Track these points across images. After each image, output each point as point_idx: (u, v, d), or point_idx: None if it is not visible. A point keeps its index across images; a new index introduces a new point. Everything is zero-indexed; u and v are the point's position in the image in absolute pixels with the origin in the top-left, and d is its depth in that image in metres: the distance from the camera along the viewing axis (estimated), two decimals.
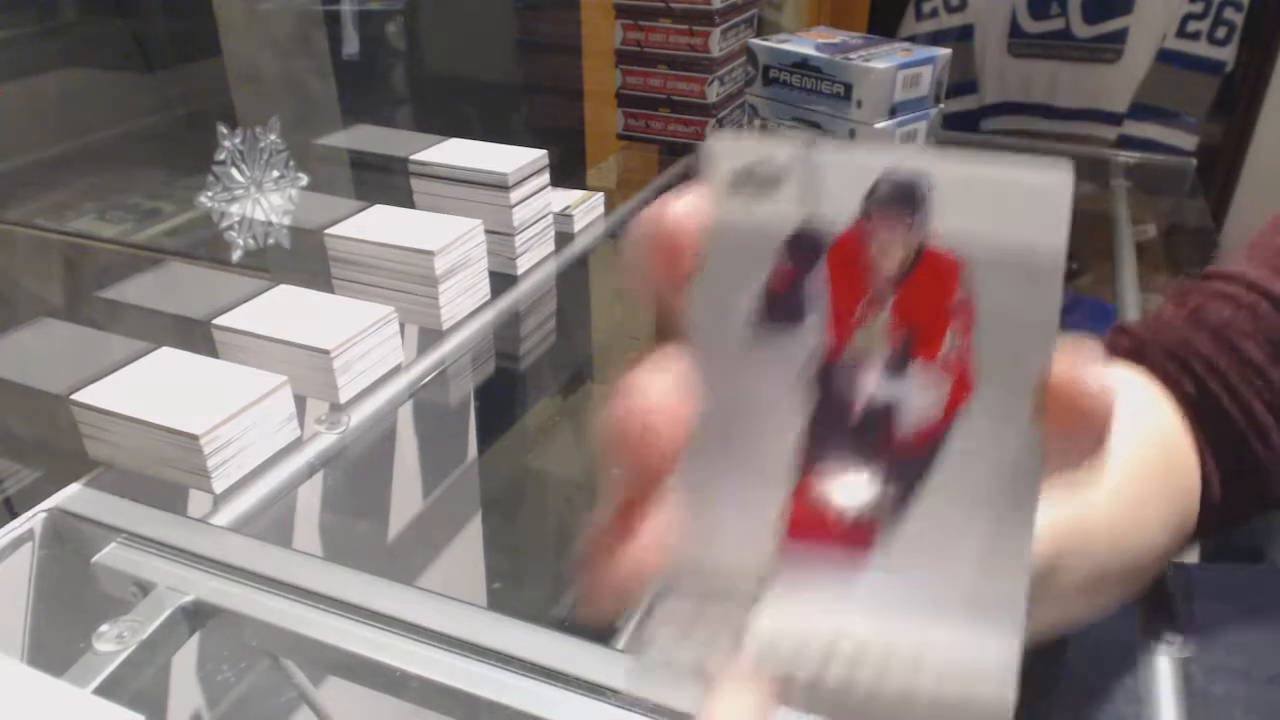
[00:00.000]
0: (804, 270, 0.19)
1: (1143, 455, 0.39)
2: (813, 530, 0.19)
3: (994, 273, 0.19)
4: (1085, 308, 0.98)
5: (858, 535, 0.19)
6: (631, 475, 0.18)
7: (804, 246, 0.19)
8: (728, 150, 0.19)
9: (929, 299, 0.19)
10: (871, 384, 0.19)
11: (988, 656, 0.19)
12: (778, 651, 0.19)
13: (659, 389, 0.18)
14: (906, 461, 0.19)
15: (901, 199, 0.19)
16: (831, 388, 0.19)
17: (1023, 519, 0.19)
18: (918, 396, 0.19)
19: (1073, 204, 0.18)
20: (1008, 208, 0.18)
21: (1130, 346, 0.43)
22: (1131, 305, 0.80)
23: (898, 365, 0.19)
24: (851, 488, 0.19)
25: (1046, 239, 0.18)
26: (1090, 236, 1.06)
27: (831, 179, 0.19)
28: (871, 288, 0.19)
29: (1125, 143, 1.17)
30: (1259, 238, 0.45)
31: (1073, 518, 0.33)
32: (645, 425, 0.18)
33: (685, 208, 0.19)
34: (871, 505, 0.19)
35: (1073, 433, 0.18)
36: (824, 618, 0.19)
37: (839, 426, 0.19)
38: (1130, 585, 0.40)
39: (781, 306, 0.19)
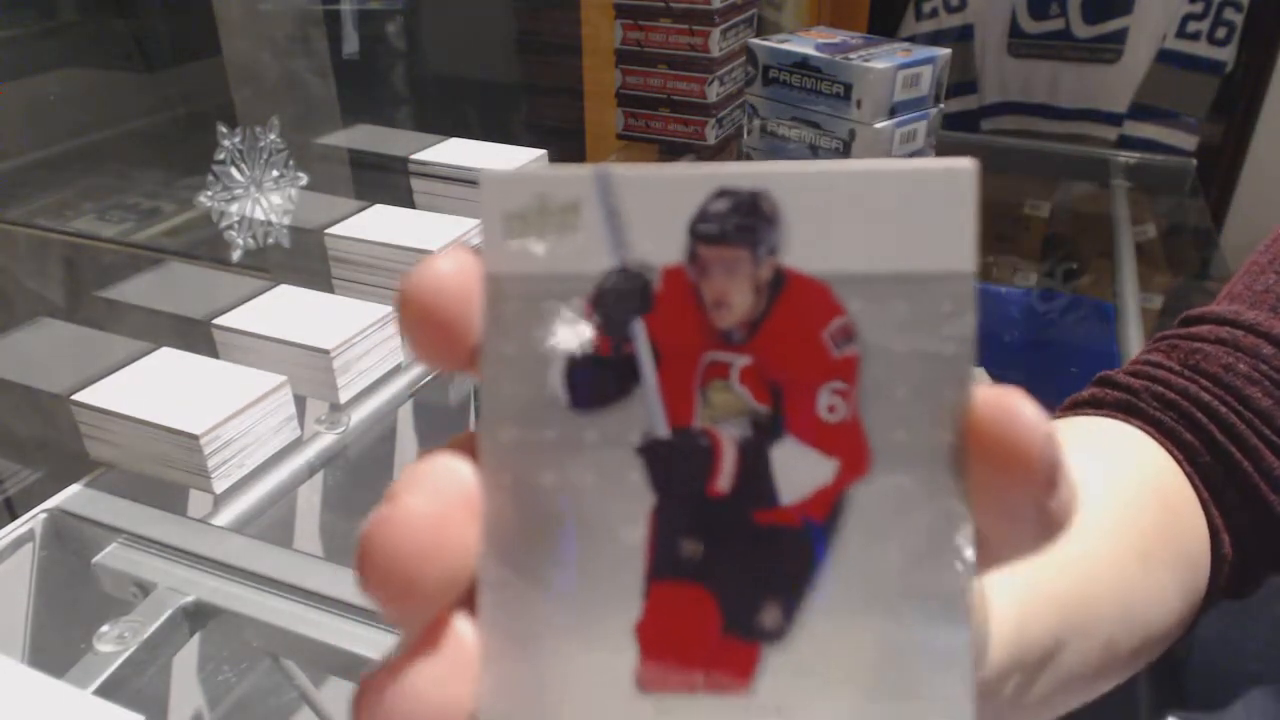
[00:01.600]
0: (619, 328, 0.15)
1: (1145, 517, 0.35)
2: (674, 665, 0.15)
3: (882, 298, 0.14)
4: (1085, 308, 0.98)
5: (732, 665, 0.15)
6: (401, 618, 0.14)
7: (615, 298, 0.15)
8: (501, 188, 0.15)
9: (796, 343, 0.14)
10: (729, 466, 0.15)
11: None
12: None
13: (421, 508, 0.14)
14: (786, 565, 0.14)
15: (740, 218, 0.14)
16: (675, 477, 0.15)
17: (952, 625, 0.14)
18: (794, 477, 0.15)
19: (979, 198, 0.14)
20: (892, 211, 0.14)
21: (1119, 398, 0.39)
22: (1131, 305, 0.80)
23: (762, 438, 0.15)
24: (715, 604, 0.15)
25: (948, 242, 0.14)
26: (1090, 236, 1.06)
27: (641, 207, 0.15)
28: (714, 338, 0.15)
29: (1125, 143, 1.17)
30: (1241, 280, 0.41)
31: (1072, 592, 0.30)
32: (402, 567, 0.14)
33: (449, 267, 0.15)
34: (745, 625, 0.15)
35: (1010, 498, 0.14)
36: None
37: (691, 526, 0.15)
38: (1146, 657, 0.37)
39: (596, 378, 0.15)
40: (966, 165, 0.14)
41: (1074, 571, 0.30)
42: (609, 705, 0.15)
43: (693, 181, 0.15)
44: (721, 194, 0.14)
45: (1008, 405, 0.14)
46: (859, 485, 0.14)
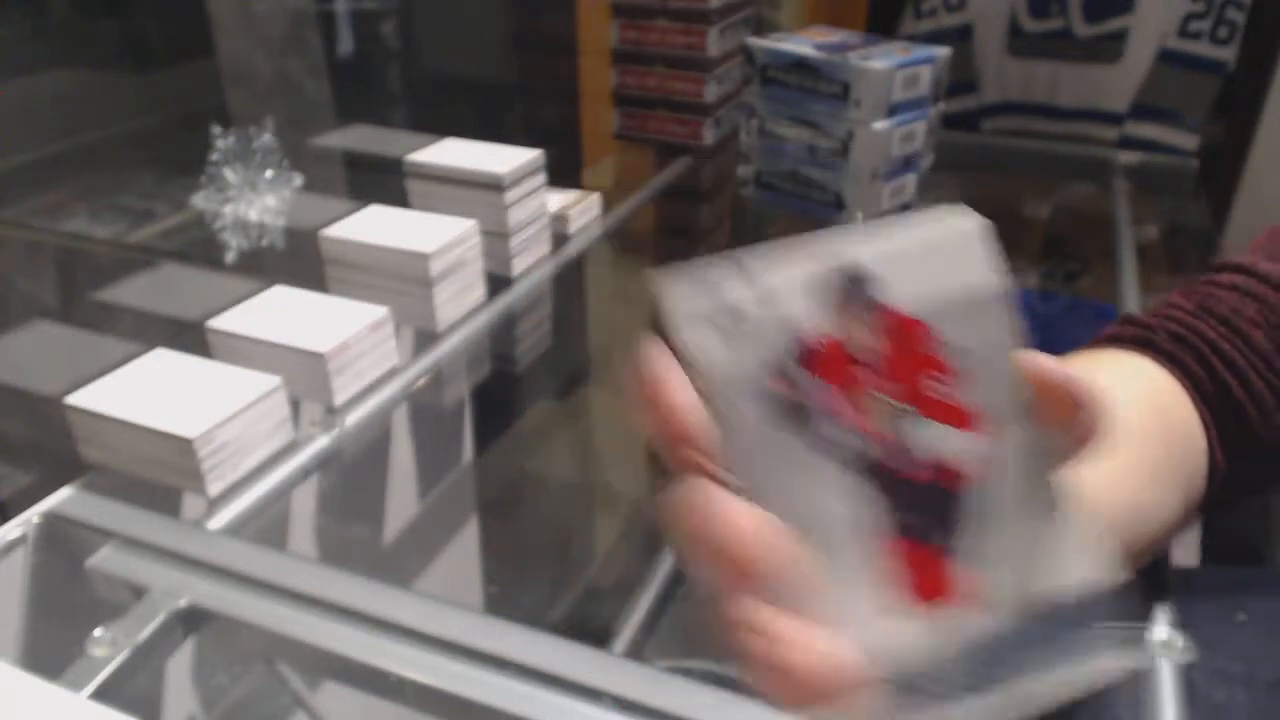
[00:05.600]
0: (802, 381, 0.22)
1: (1148, 429, 0.40)
2: (936, 591, 0.22)
3: (956, 317, 0.22)
4: (1086, 309, 0.98)
5: (942, 578, 0.22)
6: (731, 589, 0.21)
7: (791, 362, 0.22)
8: (681, 296, 0.21)
9: (913, 359, 0.22)
10: (920, 455, 0.22)
11: (1093, 564, 0.23)
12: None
13: (747, 520, 0.21)
14: (956, 505, 0.22)
15: (855, 290, 0.22)
16: (888, 474, 0.22)
17: (1055, 499, 0.23)
18: (941, 445, 0.22)
19: (991, 241, 0.22)
20: (942, 262, 0.22)
21: (1137, 334, 0.44)
22: (1132, 306, 0.79)
23: (907, 425, 0.22)
24: (948, 546, 0.22)
25: (981, 274, 0.22)
26: (1091, 237, 1.06)
27: (788, 296, 0.22)
28: (861, 369, 0.22)
29: (1126, 143, 1.16)
30: (1267, 235, 0.47)
31: (1100, 500, 0.33)
32: (749, 556, 0.20)
33: (675, 392, 0.21)
34: (962, 551, 0.22)
35: (1068, 419, 0.21)
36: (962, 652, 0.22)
37: (911, 503, 0.22)
38: (1141, 561, 0.41)
39: (798, 419, 0.22)
40: (980, 224, 0.22)
41: (1100, 482, 0.35)
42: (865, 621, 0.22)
43: (811, 266, 0.22)
44: (839, 276, 0.22)
45: (1040, 363, 0.22)
46: (984, 439, 0.22)
